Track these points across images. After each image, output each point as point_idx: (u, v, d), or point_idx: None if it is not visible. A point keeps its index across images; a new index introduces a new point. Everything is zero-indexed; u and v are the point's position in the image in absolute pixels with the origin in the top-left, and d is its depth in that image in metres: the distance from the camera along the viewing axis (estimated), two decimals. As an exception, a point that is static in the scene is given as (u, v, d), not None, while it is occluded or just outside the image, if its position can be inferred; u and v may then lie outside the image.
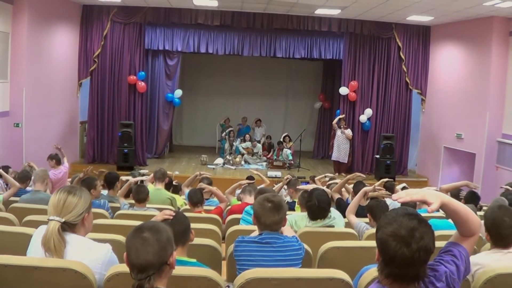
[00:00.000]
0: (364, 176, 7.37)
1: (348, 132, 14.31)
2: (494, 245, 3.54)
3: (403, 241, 1.92)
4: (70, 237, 2.82)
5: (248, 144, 15.84)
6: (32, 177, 6.60)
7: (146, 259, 2.23)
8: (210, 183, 7.52)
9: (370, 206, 4.95)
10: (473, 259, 3.53)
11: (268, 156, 15.94)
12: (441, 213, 5.78)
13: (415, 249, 1.91)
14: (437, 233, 2.27)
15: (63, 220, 2.79)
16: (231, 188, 7.49)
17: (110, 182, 7.02)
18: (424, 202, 2.04)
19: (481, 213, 6.26)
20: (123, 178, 7.69)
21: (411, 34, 14.60)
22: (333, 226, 4.82)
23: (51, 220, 2.78)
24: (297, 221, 4.96)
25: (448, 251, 2.19)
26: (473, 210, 5.12)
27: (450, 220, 4.86)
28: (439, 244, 2.26)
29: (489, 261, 3.45)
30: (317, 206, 4.70)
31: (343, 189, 7.43)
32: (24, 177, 7.05)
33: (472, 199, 6.48)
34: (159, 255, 2.26)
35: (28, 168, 9.04)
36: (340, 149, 14.34)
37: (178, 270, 2.61)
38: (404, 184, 9.33)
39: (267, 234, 3.35)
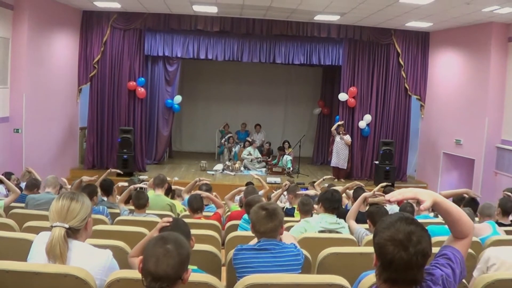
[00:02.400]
0: (363, 184, 7.38)
1: (347, 138, 14.32)
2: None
3: (401, 245, 1.94)
4: (71, 243, 2.83)
5: (249, 149, 15.83)
6: (43, 183, 6.60)
7: (165, 271, 2.26)
8: (209, 189, 7.53)
9: (370, 212, 4.97)
10: (491, 252, 3.59)
11: (268, 161, 15.94)
12: (438, 220, 5.80)
13: (413, 253, 1.93)
14: (434, 239, 2.30)
15: (67, 226, 2.81)
16: (231, 194, 7.50)
17: (107, 189, 7.03)
18: (417, 200, 2.06)
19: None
20: (119, 184, 7.70)
21: (410, 40, 14.64)
22: (341, 233, 4.89)
23: (56, 226, 2.80)
24: (309, 222, 5.02)
25: (443, 254, 2.21)
26: (471, 214, 5.17)
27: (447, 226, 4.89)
28: (436, 250, 2.27)
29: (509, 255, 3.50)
30: (331, 195, 5.13)
31: (343, 195, 7.44)
32: (31, 185, 7.03)
33: (471, 205, 6.50)
34: (177, 269, 2.30)
35: (27, 174, 9.06)
36: (339, 155, 14.35)
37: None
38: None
39: (265, 241, 3.36)
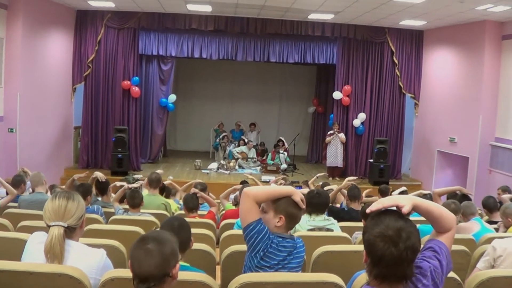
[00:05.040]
0: (355, 178, 7.36)
1: (342, 136, 14.33)
2: None
3: (390, 241, 1.96)
4: (66, 243, 2.84)
5: (242, 148, 15.84)
6: (29, 184, 6.48)
7: (148, 271, 2.26)
8: (204, 188, 7.51)
9: (364, 211, 4.98)
10: (497, 244, 3.64)
11: (262, 160, 15.95)
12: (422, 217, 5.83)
13: (403, 248, 1.96)
14: (424, 239, 2.32)
15: (66, 225, 2.82)
16: (225, 193, 7.50)
17: (102, 189, 6.99)
18: (397, 207, 2.08)
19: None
20: (118, 183, 7.68)
21: (404, 39, 14.67)
22: (332, 230, 4.89)
23: (55, 225, 2.81)
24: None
25: (429, 247, 2.24)
26: (457, 206, 5.18)
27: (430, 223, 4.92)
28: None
29: None
30: (318, 197, 5.00)
31: (338, 193, 7.45)
32: (17, 182, 6.81)
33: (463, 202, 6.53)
34: (161, 267, 2.29)
35: (22, 173, 9.00)
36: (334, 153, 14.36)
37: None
38: (403, 188, 9.13)
39: (289, 242, 3.09)
